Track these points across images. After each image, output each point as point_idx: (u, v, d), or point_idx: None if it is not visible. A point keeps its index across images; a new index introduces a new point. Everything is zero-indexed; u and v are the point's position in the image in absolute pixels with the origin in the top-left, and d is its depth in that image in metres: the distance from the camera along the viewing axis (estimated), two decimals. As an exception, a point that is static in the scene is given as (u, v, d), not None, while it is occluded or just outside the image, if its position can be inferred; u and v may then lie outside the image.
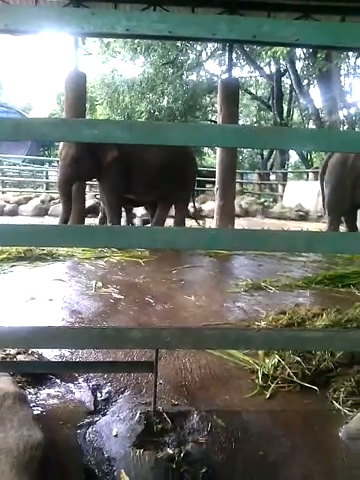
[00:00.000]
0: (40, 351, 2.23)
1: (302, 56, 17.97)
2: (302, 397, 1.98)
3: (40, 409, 1.81)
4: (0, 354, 2.09)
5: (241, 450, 1.62)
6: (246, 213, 11.78)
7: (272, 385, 2.03)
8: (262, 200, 13.64)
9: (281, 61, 17.32)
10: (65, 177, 5.80)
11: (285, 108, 20.86)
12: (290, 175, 20.30)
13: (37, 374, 2.02)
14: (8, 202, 10.47)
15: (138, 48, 18.26)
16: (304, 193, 12.24)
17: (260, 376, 2.10)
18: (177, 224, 6.37)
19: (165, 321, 2.88)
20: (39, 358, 2.18)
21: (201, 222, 7.27)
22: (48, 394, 1.94)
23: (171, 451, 1.56)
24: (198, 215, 7.43)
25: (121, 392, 2.01)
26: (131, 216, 7.13)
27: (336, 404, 1.90)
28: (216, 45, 17.08)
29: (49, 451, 1.45)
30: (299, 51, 16.85)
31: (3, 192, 12.25)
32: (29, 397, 1.82)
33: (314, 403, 1.94)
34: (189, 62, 19.31)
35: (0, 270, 4.14)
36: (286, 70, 18.60)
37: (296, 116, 23.35)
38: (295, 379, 2.04)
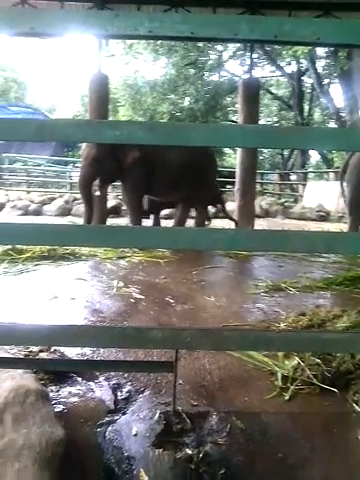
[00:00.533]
0: (62, 349, 2.27)
1: (323, 55, 17.77)
2: (322, 399, 1.96)
3: (61, 406, 1.84)
4: (23, 351, 2.13)
5: (260, 452, 1.62)
6: (266, 213, 11.69)
7: (291, 387, 2.02)
8: (282, 200, 13.53)
9: (302, 60, 17.16)
10: (86, 177, 5.82)
11: (306, 107, 20.64)
12: (311, 175, 20.08)
13: (59, 372, 2.05)
14: (33, 202, 10.64)
15: (160, 49, 18.33)
16: (325, 193, 12.09)
17: (279, 378, 2.09)
18: (198, 225, 6.38)
19: (185, 322, 2.89)
20: (61, 356, 2.21)
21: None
22: (69, 392, 1.97)
23: (190, 451, 1.57)
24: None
25: (141, 392, 2.02)
26: (158, 218, 7.08)
27: (356, 407, 1.88)
28: (237, 45, 17.03)
29: (70, 448, 1.47)
30: (320, 50, 16.67)
31: (28, 192, 12.45)
32: (51, 394, 1.85)
33: (334, 405, 1.92)
34: (210, 63, 19.31)
35: (24, 269, 4.21)
36: (307, 69, 18.42)
37: (317, 115, 23.08)
38: (315, 381, 2.03)
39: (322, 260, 5.14)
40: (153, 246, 3.44)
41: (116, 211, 9.79)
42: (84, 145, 6.05)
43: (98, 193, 6.39)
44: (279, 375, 2.10)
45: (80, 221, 7.30)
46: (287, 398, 1.96)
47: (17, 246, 4.50)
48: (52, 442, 1.41)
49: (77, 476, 1.49)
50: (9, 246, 4.50)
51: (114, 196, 10.74)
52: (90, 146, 5.65)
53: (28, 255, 4.54)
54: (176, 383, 1.78)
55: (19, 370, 1.72)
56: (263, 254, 5.38)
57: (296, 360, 2.13)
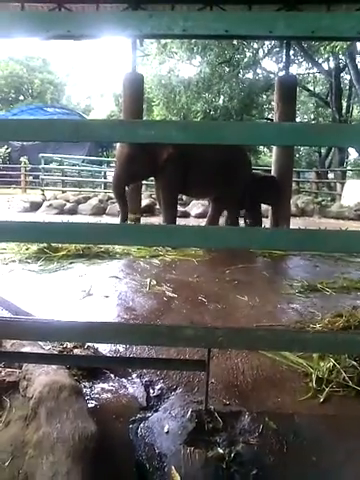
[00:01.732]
0: (96, 346, 2.30)
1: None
2: (357, 402, 1.92)
3: (94, 402, 1.87)
4: (57, 348, 2.17)
5: (293, 454, 1.60)
6: (302, 212, 11.49)
7: (326, 389, 1.98)
8: (319, 199, 13.26)
9: (340, 56, 16.77)
10: (120, 176, 5.84)
11: (344, 104, 20.17)
12: (349, 173, 19.58)
13: (92, 368, 2.08)
14: (68, 201, 10.84)
15: (195, 48, 18.31)
16: (365, 192, 11.79)
17: (314, 379, 2.05)
18: (230, 224, 6.34)
19: (218, 321, 2.88)
20: (94, 353, 2.25)
21: None
22: (102, 388, 2.00)
23: (222, 451, 1.56)
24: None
25: (173, 389, 2.03)
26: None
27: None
28: (273, 42, 16.82)
29: (102, 443, 1.49)
30: (359, 45, 16.23)
31: (63, 191, 12.70)
32: (84, 390, 1.89)
33: (370, 409, 1.87)
34: (246, 60, 19.11)
35: (59, 267, 4.29)
36: (345, 65, 17.97)
37: (356, 112, 22.53)
38: (350, 383, 1.98)
39: (360, 260, 5.01)
40: (186, 244, 3.45)
41: (150, 210, 9.85)
42: (118, 145, 6.09)
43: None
44: (314, 376, 2.07)
45: (114, 220, 7.39)
46: (321, 400, 1.93)
47: (52, 244, 4.59)
48: (84, 437, 1.43)
49: (109, 471, 1.50)
50: (45, 244, 4.59)
51: (147, 195, 10.80)
52: (123, 145, 5.69)
53: (63, 253, 4.63)
54: (208, 382, 1.77)
55: (53, 366, 1.76)
56: (298, 254, 5.30)
57: (331, 362, 2.09)
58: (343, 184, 13.81)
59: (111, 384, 2.05)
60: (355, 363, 2.04)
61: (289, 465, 1.57)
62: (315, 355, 2.20)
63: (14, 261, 4.45)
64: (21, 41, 34.61)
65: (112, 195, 10.35)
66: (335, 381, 2.01)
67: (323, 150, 21.98)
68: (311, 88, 22.76)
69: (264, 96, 21.37)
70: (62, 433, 1.42)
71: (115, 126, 1.56)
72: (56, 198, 11.30)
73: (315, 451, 1.61)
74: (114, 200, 10.44)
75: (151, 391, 2.02)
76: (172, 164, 5.54)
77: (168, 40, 17.03)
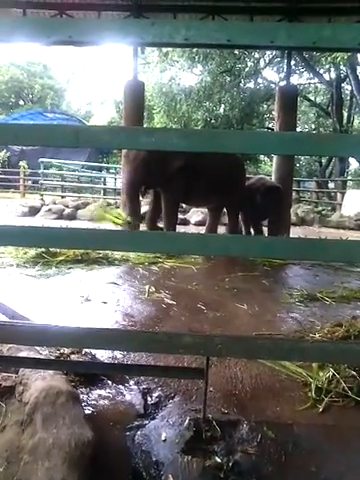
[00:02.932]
0: (93, 352, 2.29)
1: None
2: (357, 412, 1.90)
3: (91, 409, 1.85)
4: (55, 353, 2.16)
5: (292, 464, 1.58)
6: (302, 222, 11.50)
7: (326, 399, 1.97)
8: (319, 208, 13.28)
9: (341, 67, 16.87)
10: (134, 180, 5.75)
11: (345, 115, 20.27)
12: (350, 183, 19.62)
13: (89, 374, 2.07)
14: (67, 206, 10.84)
15: (196, 57, 18.39)
16: (365, 202, 11.80)
17: (313, 389, 2.04)
18: (230, 232, 6.35)
19: (216, 329, 2.86)
20: (92, 359, 2.24)
21: None
22: (99, 395, 1.99)
23: (219, 460, 1.55)
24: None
25: (171, 397, 2.01)
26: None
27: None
28: (274, 52, 16.92)
29: (99, 450, 1.48)
30: (360, 56, 16.34)
31: (63, 197, 12.70)
32: (81, 396, 1.87)
33: (370, 420, 1.86)
34: (247, 70, 19.21)
35: (58, 272, 4.29)
36: (346, 76, 18.08)
37: (357, 123, 22.63)
38: (350, 394, 1.97)
39: (360, 270, 5.01)
40: (186, 252, 3.44)
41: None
42: (128, 151, 5.98)
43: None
44: (313, 386, 2.05)
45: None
46: (321, 410, 1.92)
47: (51, 249, 4.59)
48: (81, 443, 1.42)
49: (105, 478, 1.49)
50: (43, 249, 4.59)
51: (147, 202, 10.80)
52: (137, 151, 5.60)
53: (62, 258, 4.62)
54: (207, 390, 1.76)
55: (50, 371, 1.74)
56: (298, 263, 5.30)
57: (331, 372, 2.08)
58: (343, 194, 13.83)
59: (108, 391, 2.03)
60: (355, 373, 2.03)
61: (288, 475, 1.55)
62: (314, 365, 2.19)
63: (12, 265, 4.44)
64: (22, 46, 34.89)
65: (111, 201, 10.36)
66: (334, 391, 2.00)
67: (324, 160, 22.07)
68: (312, 98, 22.89)
69: (265, 106, 21.47)
70: (58, 439, 1.41)
71: (116, 132, 1.57)
72: (55, 203, 11.30)
73: (314, 461, 1.59)
74: (113, 206, 10.49)
75: (149, 398, 2.01)
76: (180, 175, 5.52)
77: (169, 48, 17.13)
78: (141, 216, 6.55)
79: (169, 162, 5.49)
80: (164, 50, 17.87)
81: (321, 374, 2.11)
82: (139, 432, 1.73)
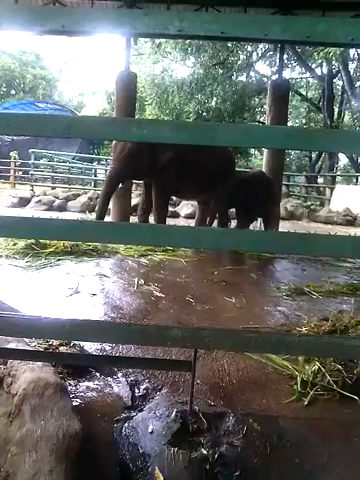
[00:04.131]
0: (82, 344, 2.29)
1: (356, 57, 17.49)
2: (341, 406, 1.93)
3: (79, 401, 1.86)
4: (43, 345, 2.16)
5: (276, 456, 1.60)
6: (291, 216, 11.57)
7: (311, 392, 1.99)
8: (308, 203, 13.36)
9: (333, 62, 16.91)
10: (118, 171, 5.66)
11: (336, 110, 20.35)
12: (339, 178, 19.77)
13: (78, 366, 2.07)
14: (57, 198, 10.78)
15: (189, 49, 18.32)
16: (353, 197, 11.90)
17: (299, 382, 2.06)
18: (221, 226, 6.35)
19: (205, 321, 2.88)
20: (80, 351, 2.24)
21: None
22: (87, 387, 1.99)
23: (205, 452, 1.56)
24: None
25: (158, 389, 2.03)
26: None
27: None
28: (267, 46, 16.90)
29: (86, 442, 1.49)
30: (353, 51, 16.41)
31: (53, 188, 12.62)
32: (69, 388, 1.87)
33: (354, 413, 1.88)
34: (239, 63, 19.20)
35: (47, 263, 4.26)
36: (338, 71, 18.15)
37: (347, 118, 22.73)
38: (335, 387, 1.99)
39: (347, 265, 5.05)
40: (175, 245, 3.45)
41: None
42: (117, 142, 5.94)
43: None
44: (299, 380, 2.08)
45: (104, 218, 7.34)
46: (306, 403, 1.94)
47: (40, 240, 4.56)
48: (68, 435, 1.42)
49: (92, 470, 1.49)
50: (32, 240, 4.55)
51: (137, 194, 10.78)
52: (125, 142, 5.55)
53: (51, 250, 4.59)
54: (194, 382, 1.77)
55: (38, 363, 1.74)
56: (286, 257, 5.32)
57: (317, 365, 2.10)
58: (332, 189, 13.94)
59: (96, 383, 2.04)
60: (340, 367, 2.05)
61: (272, 467, 1.57)
62: (301, 358, 2.21)
63: (1, 256, 4.40)
64: (14, 35, 34.37)
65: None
66: (320, 384, 2.03)
67: (313, 155, 22.19)
68: (303, 93, 22.94)
69: (256, 99, 21.49)
70: (46, 431, 1.41)
71: (108, 124, 1.56)
72: (45, 194, 11.24)
73: (298, 453, 1.62)
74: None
75: (136, 391, 2.02)
76: (171, 167, 5.49)
77: (162, 40, 17.02)
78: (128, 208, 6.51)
79: (159, 154, 5.46)
80: (157, 41, 17.76)
81: (307, 367, 2.13)
82: (126, 424, 1.74)
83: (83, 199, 10.71)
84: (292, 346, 1.68)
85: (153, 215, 6.08)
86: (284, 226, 7.97)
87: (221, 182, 5.96)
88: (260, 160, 20.59)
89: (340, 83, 19.71)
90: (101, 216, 5.75)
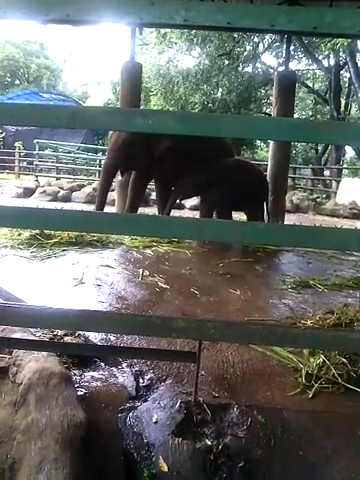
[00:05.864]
0: (86, 334, 2.30)
1: (364, 48, 17.29)
2: (346, 399, 1.93)
3: (84, 390, 1.87)
4: (48, 335, 2.17)
5: (280, 448, 1.61)
6: (297, 209, 11.52)
7: (316, 385, 1.99)
8: (314, 196, 13.29)
9: (341, 54, 16.73)
10: (113, 161, 5.65)
11: (343, 102, 20.16)
12: (345, 171, 19.63)
13: (82, 356, 2.08)
14: (62, 188, 10.78)
15: (194, 39, 18.15)
16: (359, 190, 11.82)
17: (304, 375, 2.06)
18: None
19: (209, 313, 2.88)
20: (85, 341, 2.25)
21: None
22: (92, 377, 2.00)
23: (209, 442, 1.57)
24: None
25: (163, 380, 2.03)
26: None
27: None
28: (274, 37, 16.73)
29: (91, 431, 1.50)
30: (360, 43, 16.21)
31: (58, 178, 12.62)
32: (74, 378, 1.88)
33: (358, 406, 1.88)
34: (245, 54, 19.01)
35: (52, 254, 4.27)
36: (345, 63, 17.94)
37: (354, 110, 22.54)
38: (340, 380, 2.00)
39: (353, 258, 5.03)
40: (180, 236, 3.45)
41: (145, 200, 9.81)
42: (113, 133, 5.91)
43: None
44: (303, 372, 2.08)
45: (110, 209, 7.34)
46: (310, 396, 1.94)
47: (45, 231, 4.57)
48: (73, 424, 1.43)
49: (97, 459, 1.51)
50: (37, 231, 4.57)
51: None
52: (120, 132, 5.53)
53: (56, 240, 4.60)
54: (198, 374, 1.78)
55: (44, 353, 1.75)
56: (292, 250, 5.31)
57: (321, 358, 2.10)
58: (339, 182, 13.85)
59: (101, 373, 2.05)
60: (345, 360, 2.05)
61: (276, 459, 1.58)
62: (305, 351, 2.21)
63: (6, 247, 4.42)
64: (18, 24, 34.21)
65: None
66: (324, 377, 2.03)
67: (320, 147, 22.03)
68: (310, 85, 22.73)
69: (263, 91, 21.32)
70: (51, 420, 1.42)
71: (113, 114, 1.55)
72: (50, 185, 11.23)
73: (302, 446, 1.62)
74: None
75: (141, 381, 2.03)
76: (169, 156, 5.47)
77: (168, 30, 16.88)
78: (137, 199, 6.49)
79: (155, 144, 5.42)
80: (162, 31, 17.61)
81: (312, 360, 2.13)
82: (131, 414, 1.75)
83: (88, 190, 10.70)
84: (297, 339, 1.68)
85: (157, 207, 6.06)
86: (290, 219, 7.95)
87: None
88: (266, 152, 20.49)
89: (347, 75, 19.46)
90: (100, 207, 5.71)
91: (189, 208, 9.93)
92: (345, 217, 10.75)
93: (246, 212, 6.19)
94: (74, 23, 7.63)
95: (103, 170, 5.99)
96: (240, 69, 19.66)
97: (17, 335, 1.93)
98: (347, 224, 8.85)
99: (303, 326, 2.42)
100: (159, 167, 5.63)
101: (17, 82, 30.87)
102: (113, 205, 7.51)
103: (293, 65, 18.69)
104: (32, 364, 1.64)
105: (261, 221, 5.80)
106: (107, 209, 5.91)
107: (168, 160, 5.50)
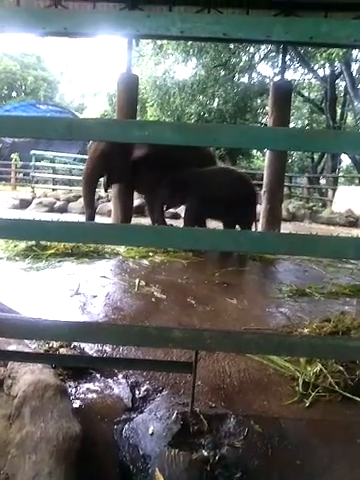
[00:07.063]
0: (82, 345, 2.29)
1: (358, 58, 17.50)
2: (343, 407, 1.92)
3: (79, 402, 1.85)
4: (43, 346, 2.15)
5: (277, 458, 1.60)
6: (293, 217, 11.55)
7: (313, 393, 1.98)
8: (310, 204, 13.34)
9: (336, 63, 16.90)
10: (91, 171, 5.68)
11: (338, 111, 20.32)
12: (341, 180, 19.72)
13: (78, 368, 2.07)
14: (58, 199, 10.77)
15: (191, 50, 18.32)
16: (355, 198, 11.87)
17: (301, 383, 2.05)
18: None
19: (206, 323, 2.87)
20: (81, 352, 2.23)
21: None
22: (88, 388, 1.98)
23: (206, 453, 1.55)
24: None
25: (159, 391, 2.02)
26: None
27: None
28: (269, 47, 16.88)
29: (86, 443, 1.48)
30: (355, 52, 16.40)
31: (54, 189, 12.61)
32: (69, 390, 1.87)
33: (356, 414, 1.88)
34: (241, 64, 19.18)
35: (48, 265, 4.26)
36: (341, 72, 18.12)
37: (350, 119, 22.70)
38: (337, 389, 1.99)
39: (349, 266, 5.04)
40: (176, 246, 3.44)
41: (141, 210, 9.81)
42: (92, 143, 5.87)
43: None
44: (300, 381, 2.07)
45: (105, 220, 7.35)
46: (307, 405, 1.93)
47: (41, 242, 4.56)
48: (68, 437, 1.41)
49: (93, 472, 1.49)
50: (33, 242, 4.56)
51: (139, 195, 10.78)
52: (98, 142, 5.52)
53: (52, 252, 4.60)
54: (195, 384, 1.77)
55: (39, 365, 1.74)
56: (288, 258, 5.31)
57: (318, 366, 2.10)
58: (334, 190, 13.91)
59: (96, 384, 2.03)
60: (342, 368, 2.05)
61: (273, 469, 1.56)
62: (302, 359, 2.21)
63: (2, 258, 4.41)
64: (15, 37, 34.40)
65: (103, 194, 10.27)
66: (321, 386, 2.02)
67: (316, 156, 22.13)
68: (306, 94, 22.88)
69: (259, 100, 21.46)
70: (46, 433, 1.40)
71: (109, 125, 1.56)
72: (46, 196, 11.23)
73: (299, 455, 1.61)
74: (105, 199, 10.41)
75: (137, 392, 2.01)
76: (147, 166, 5.42)
77: (164, 41, 17.03)
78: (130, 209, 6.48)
79: (132, 153, 5.40)
80: (159, 43, 17.76)
81: (309, 369, 2.13)
82: (127, 426, 1.73)
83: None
84: (294, 347, 1.68)
85: (150, 219, 6.04)
86: (286, 227, 7.96)
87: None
88: (262, 161, 20.58)
89: (343, 84, 19.66)
90: (90, 217, 5.76)
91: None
92: (341, 225, 10.79)
93: (224, 221, 5.87)
94: (71, 35, 7.72)
95: (83, 182, 6.01)
96: (236, 79, 19.82)
97: (12, 347, 1.91)
98: (343, 232, 8.88)
99: (300, 334, 2.42)
100: (139, 177, 5.61)
101: (14, 94, 31.00)
102: (109, 216, 7.50)
103: (289, 75, 18.85)
104: (27, 376, 1.63)
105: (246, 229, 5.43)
106: (105, 220, 5.92)
107: (146, 169, 5.47)
